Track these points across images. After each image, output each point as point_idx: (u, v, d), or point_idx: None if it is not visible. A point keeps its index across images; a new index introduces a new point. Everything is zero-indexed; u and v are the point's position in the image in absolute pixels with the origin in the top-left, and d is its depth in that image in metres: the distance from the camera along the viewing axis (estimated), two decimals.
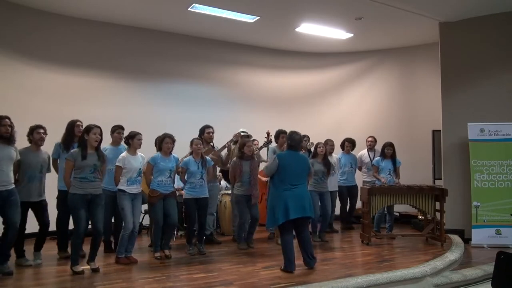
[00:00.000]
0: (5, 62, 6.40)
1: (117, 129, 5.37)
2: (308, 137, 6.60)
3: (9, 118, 4.42)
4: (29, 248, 4.82)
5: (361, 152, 7.58)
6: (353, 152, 7.55)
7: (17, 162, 4.52)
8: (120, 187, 4.79)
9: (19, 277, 4.25)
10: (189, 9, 6.64)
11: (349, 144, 7.45)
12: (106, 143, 5.30)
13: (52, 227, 5.12)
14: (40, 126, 4.79)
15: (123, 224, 4.83)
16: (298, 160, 4.59)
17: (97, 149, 4.47)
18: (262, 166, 6.68)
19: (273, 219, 4.42)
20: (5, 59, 6.41)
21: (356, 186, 7.39)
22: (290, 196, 4.37)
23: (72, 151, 4.44)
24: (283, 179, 4.44)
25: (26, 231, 4.73)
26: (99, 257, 5.00)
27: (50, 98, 6.75)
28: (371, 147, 7.45)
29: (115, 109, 7.07)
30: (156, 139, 5.77)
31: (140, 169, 4.87)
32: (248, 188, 5.69)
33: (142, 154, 5.01)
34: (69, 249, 5.07)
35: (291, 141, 4.60)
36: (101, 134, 4.48)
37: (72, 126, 5.08)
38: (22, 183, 4.63)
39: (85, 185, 4.32)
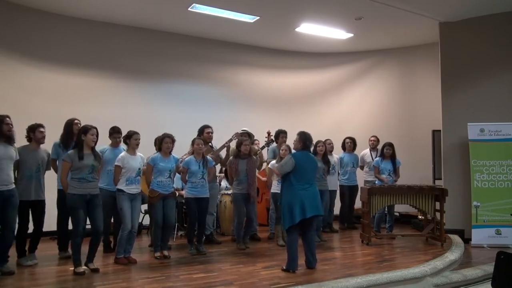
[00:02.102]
0: (5, 62, 6.41)
1: (113, 133, 5.25)
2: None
3: (9, 117, 4.42)
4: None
5: (364, 151, 7.57)
6: (355, 152, 7.55)
7: (16, 162, 4.53)
8: (119, 186, 4.78)
9: (19, 277, 4.24)
10: (189, 9, 6.64)
11: (349, 141, 7.44)
12: (106, 143, 5.30)
13: (52, 227, 5.13)
14: (41, 125, 4.79)
15: (121, 225, 4.83)
16: (310, 160, 4.67)
17: (93, 149, 4.46)
18: (263, 166, 6.70)
19: (291, 218, 4.43)
20: (5, 59, 6.42)
21: (357, 186, 7.40)
22: (306, 195, 4.46)
23: (68, 152, 4.41)
24: (299, 179, 4.50)
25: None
26: (99, 257, 5.01)
27: (50, 98, 6.75)
28: (373, 147, 7.44)
29: (115, 109, 7.07)
30: (155, 139, 5.76)
31: (139, 169, 4.86)
32: (245, 186, 5.68)
33: (141, 155, 5.00)
34: (69, 249, 5.10)
35: (308, 141, 4.66)
36: (97, 135, 4.48)
37: (70, 125, 5.06)
38: (22, 182, 4.62)
39: (84, 185, 4.32)
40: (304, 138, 4.65)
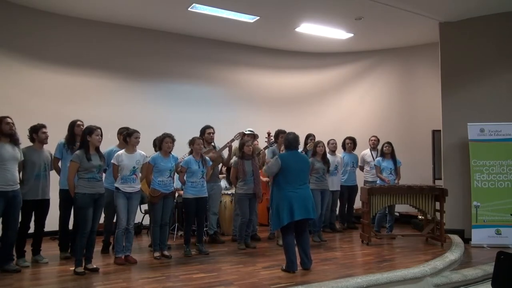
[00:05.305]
0: (5, 62, 6.41)
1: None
2: (314, 135, 6.56)
3: (10, 118, 4.45)
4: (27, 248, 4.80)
5: (364, 151, 7.55)
6: (355, 152, 7.55)
7: (21, 163, 4.54)
8: (116, 184, 4.81)
9: (19, 277, 4.24)
10: (189, 9, 6.64)
11: (350, 141, 7.45)
12: (106, 144, 5.29)
13: (53, 227, 5.13)
14: (43, 125, 4.82)
15: (116, 222, 4.84)
16: (299, 160, 4.60)
17: (97, 149, 4.50)
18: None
19: (278, 221, 4.40)
20: (5, 59, 6.42)
21: (356, 186, 7.40)
22: (295, 197, 4.38)
23: (76, 152, 4.43)
24: (287, 180, 4.44)
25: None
26: (99, 257, 5.02)
27: (50, 98, 6.74)
28: (374, 146, 7.43)
29: (115, 109, 7.08)
30: (154, 140, 5.76)
31: (134, 167, 4.81)
32: (252, 186, 5.72)
33: (143, 152, 4.98)
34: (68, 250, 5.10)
35: (286, 142, 4.63)
36: (101, 135, 4.52)
37: (72, 126, 5.07)
38: (29, 182, 4.66)
39: (93, 184, 4.37)
40: (285, 139, 4.65)
